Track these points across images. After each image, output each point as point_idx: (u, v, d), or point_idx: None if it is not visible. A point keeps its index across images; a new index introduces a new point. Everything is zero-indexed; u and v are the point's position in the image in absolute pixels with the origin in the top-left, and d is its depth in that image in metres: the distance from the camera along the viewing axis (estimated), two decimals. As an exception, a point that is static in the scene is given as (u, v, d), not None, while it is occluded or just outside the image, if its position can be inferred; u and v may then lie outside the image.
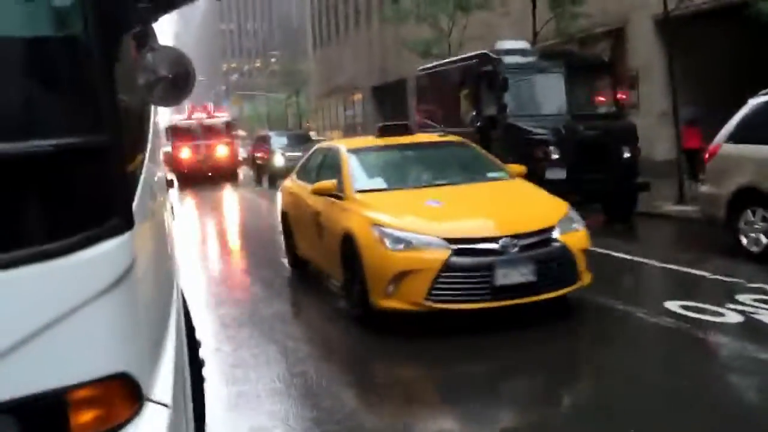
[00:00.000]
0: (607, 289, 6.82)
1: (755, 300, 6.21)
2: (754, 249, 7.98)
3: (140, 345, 1.82)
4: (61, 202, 1.67)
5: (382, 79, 36.01)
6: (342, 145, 7.83)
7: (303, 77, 56.48)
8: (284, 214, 8.92)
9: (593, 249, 9.03)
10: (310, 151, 9.05)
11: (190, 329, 2.97)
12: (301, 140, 25.51)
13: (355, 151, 7.52)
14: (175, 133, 28.22)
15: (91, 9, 1.70)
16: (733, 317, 5.81)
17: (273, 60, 70.30)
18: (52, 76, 1.71)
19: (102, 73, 1.74)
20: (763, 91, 8.39)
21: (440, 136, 8.72)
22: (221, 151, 27.95)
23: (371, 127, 37.88)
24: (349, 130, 43.07)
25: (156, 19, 1.95)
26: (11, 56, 1.65)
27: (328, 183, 6.92)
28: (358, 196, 6.60)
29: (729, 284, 6.96)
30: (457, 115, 13.31)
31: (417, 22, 21.38)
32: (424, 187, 6.83)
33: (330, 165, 7.68)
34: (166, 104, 2.01)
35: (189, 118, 29.23)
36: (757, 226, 7.98)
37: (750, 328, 5.56)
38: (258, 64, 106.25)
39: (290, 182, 9.01)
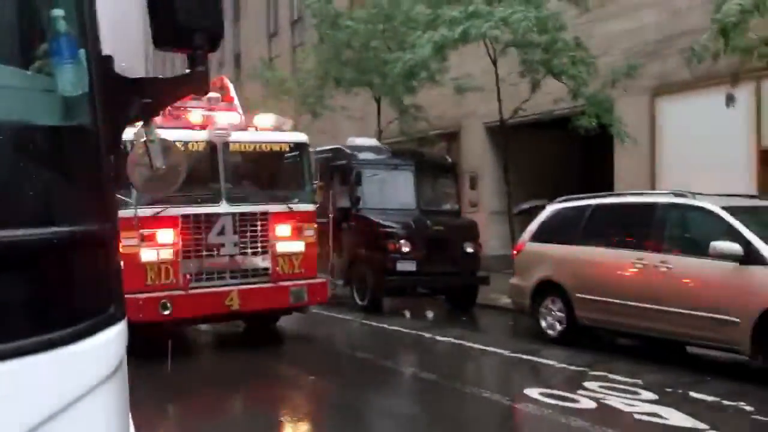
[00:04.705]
0: (471, 377, 7.10)
1: (601, 386, 6.79)
2: (551, 333, 9.16)
3: None
4: (65, 291, 1.61)
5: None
6: None
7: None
8: None
9: (448, 339, 9.51)
10: None
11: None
12: None
13: None
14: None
15: (100, 101, 1.73)
16: (587, 403, 6.30)
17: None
18: (61, 164, 1.69)
19: (106, 163, 1.75)
20: (558, 199, 9.80)
21: None
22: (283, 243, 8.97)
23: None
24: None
25: (156, 114, 1.96)
26: (21, 143, 1.61)
27: None
28: None
29: (575, 372, 7.56)
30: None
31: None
32: None
33: None
34: (154, 195, 2.00)
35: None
36: (554, 313, 9.20)
37: (604, 412, 6.06)
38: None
39: None
